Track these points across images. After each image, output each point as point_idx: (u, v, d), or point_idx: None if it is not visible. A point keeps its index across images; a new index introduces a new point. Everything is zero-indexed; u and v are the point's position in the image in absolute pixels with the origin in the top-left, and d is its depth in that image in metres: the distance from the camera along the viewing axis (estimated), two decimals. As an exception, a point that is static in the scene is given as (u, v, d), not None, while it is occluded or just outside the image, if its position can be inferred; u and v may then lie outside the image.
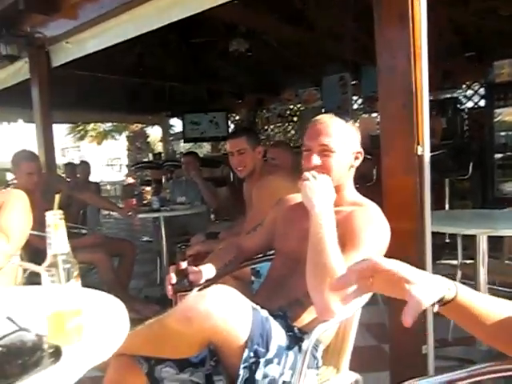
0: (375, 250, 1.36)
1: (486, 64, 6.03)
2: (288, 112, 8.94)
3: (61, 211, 0.88)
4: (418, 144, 1.81)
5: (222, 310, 1.19)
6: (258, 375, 1.24)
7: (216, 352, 1.30)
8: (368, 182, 4.11)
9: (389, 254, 1.35)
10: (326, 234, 1.32)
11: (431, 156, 1.88)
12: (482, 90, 6.72)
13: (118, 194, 12.54)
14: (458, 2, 5.28)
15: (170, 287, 1.45)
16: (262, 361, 1.24)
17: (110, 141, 20.25)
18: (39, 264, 0.92)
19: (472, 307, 0.81)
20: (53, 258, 0.88)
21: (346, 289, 0.83)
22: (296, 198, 1.73)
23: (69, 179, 5.77)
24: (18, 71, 4.36)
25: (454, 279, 2.85)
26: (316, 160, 1.48)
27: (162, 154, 9.96)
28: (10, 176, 7.24)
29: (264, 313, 1.33)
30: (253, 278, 2.30)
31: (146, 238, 6.73)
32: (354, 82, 7.49)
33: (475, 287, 2.43)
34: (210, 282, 1.56)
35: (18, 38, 3.90)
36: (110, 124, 17.96)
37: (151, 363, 1.34)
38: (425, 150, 1.83)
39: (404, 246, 1.73)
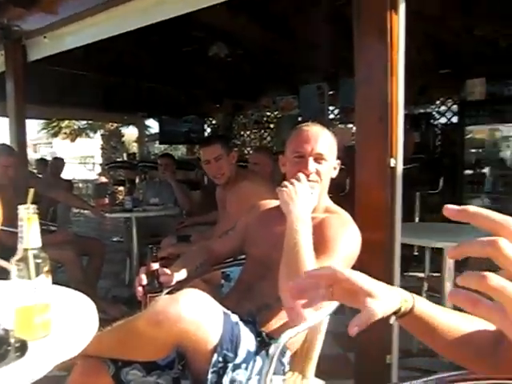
0: (347, 256, 1.38)
1: (459, 81, 6.19)
2: (265, 119, 8.98)
3: (34, 206, 0.87)
4: (392, 156, 1.85)
5: (193, 314, 1.19)
6: (225, 380, 1.24)
7: (184, 356, 1.29)
8: (341, 191, 4.16)
9: (358, 264, 1.38)
10: (302, 239, 1.32)
11: (403, 169, 1.92)
12: (455, 107, 6.89)
13: (89, 192, 12.32)
14: (435, 18, 5.41)
15: (139, 288, 1.44)
16: (230, 365, 1.24)
17: (84, 139, 19.94)
18: (6, 261, 0.91)
19: (429, 319, 0.82)
20: (24, 252, 0.86)
21: (303, 293, 0.81)
22: (270, 203, 1.74)
23: (40, 175, 5.66)
24: (-7, 63, 4.26)
25: (421, 291, 2.93)
26: (313, 167, 1.49)
27: (137, 155, 9.86)
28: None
29: (234, 318, 1.33)
30: (222, 281, 2.30)
31: (116, 238, 6.64)
32: (331, 92, 7.57)
33: (441, 300, 2.49)
34: (180, 285, 1.55)
35: (-5, 30, 3.82)
36: (84, 122, 17.68)
37: (118, 365, 1.32)
38: (398, 163, 1.87)
39: (373, 257, 1.76)
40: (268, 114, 8.91)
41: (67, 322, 0.97)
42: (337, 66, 6.76)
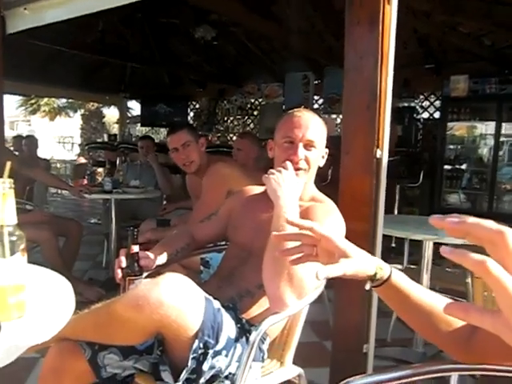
0: None
1: (443, 77, 6.24)
2: (249, 105, 8.92)
3: (10, 180, 0.83)
4: (378, 147, 1.84)
5: (174, 300, 1.16)
6: (205, 366, 1.23)
7: (163, 341, 1.26)
8: (323, 181, 4.16)
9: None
10: (289, 226, 1.29)
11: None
12: (437, 103, 6.95)
13: (68, 172, 12.13)
14: (422, 13, 5.43)
15: (119, 271, 1.39)
16: (210, 352, 1.22)
17: (64, 118, 19.56)
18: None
19: (405, 291, 0.85)
20: (-2, 229, 0.82)
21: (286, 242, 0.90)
22: (254, 189, 1.72)
23: (16, 152, 5.53)
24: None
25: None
26: (302, 153, 1.47)
27: (118, 136, 9.72)
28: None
29: (216, 304, 1.31)
30: (201, 267, 2.27)
31: (93, 220, 6.55)
32: (316, 82, 7.56)
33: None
34: (160, 268, 1.53)
35: (-28, -1, 3.67)
36: (64, 100, 17.34)
37: (94, 349, 1.29)
38: (383, 154, 1.86)
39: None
40: (252, 100, 8.86)
41: (43, 303, 0.94)
42: (323, 56, 6.75)
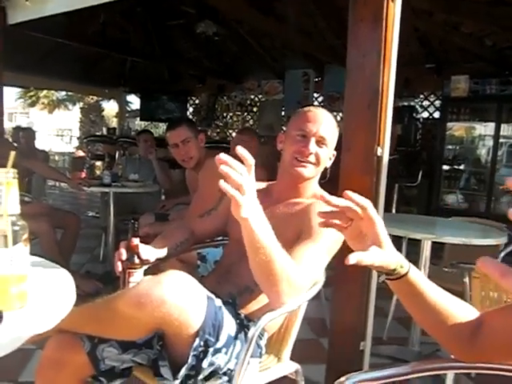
0: (331, 242, 1.36)
1: (444, 77, 6.24)
2: (248, 102, 8.91)
3: (14, 170, 0.83)
4: (379, 145, 1.85)
5: (177, 298, 1.15)
6: (205, 363, 1.23)
7: (163, 337, 1.26)
8: (322, 178, 4.16)
9: (340, 251, 1.37)
10: (264, 238, 1.13)
11: (386, 160, 1.92)
12: (437, 102, 6.96)
13: (66, 165, 12.10)
14: (424, 12, 5.42)
15: (119, 263, 1.38)
16: (210, 350, 1.22)
17: (62, 111, 19.50)
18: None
19: (419, 289, 0.85)
20: (1, 218, 0.82)
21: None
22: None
23: (15, 144, 5.51)
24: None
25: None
26: (313, 148, 1.46)
27: (116, 130, 9.70)
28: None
29: (218, 302, 1.30)
30: (198, 262, 2.28)
31: (91, 214, 6.54)
32: (316, 79, 7.56)
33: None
34: (159, 262, 1.52)
35: (-27, -11, 3.66)
36: (63, 93, 17.28)
37: (94, 342, 1.29)
38: (384, 152, 1.86)
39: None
40: (252, 96, 8.85)
41: (44, 293, 0.94)
42: (324, 53, 6.74)
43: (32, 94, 17.68)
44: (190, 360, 1.20)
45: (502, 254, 2.40)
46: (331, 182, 2.06)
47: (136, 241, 1.38)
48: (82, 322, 1.27)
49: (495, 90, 5.79)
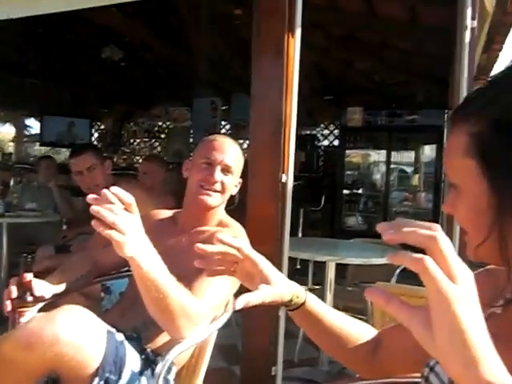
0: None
1: (341, 108, 6.67)
2: (156, 128, 8.81)
3: None
4: (283, 172, 1.91)
5: (71, 335, 1.07)
6: None
7: (58, 380, 1.15)
8: (230, 204, 4.20)
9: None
10: (156, 275, 1.10)
11: (290, 186, 1.99)
12: (336, 131, 7.41)
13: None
14: (322, 49, 5.81)
15: (8, 302, 1.25)
16: None
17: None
18: None
19: (318, 316, 0.87)
20: None
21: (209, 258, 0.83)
22: (160, 213, 1.68)
23: None
24: None
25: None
26: (219, 176, 1.46)
27: (13, 156, 9.06)
28: None
29: (119, 337, 1.23)
30: (102, 294, 2.17)
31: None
32: (224, 108, 7.67)
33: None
34: (57, 298, 1.42)
35: None
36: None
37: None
38: (288, 179, 1.93)
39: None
40: (160, 123, 8.76)
41: None
42: (230, 82, 6.91)
43: None
44: None
45: (398, 271, 2.56)
46: (239, 208, 2.09)
47: (29, 276, 1.27)
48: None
49: (385, 121, 6.29)
